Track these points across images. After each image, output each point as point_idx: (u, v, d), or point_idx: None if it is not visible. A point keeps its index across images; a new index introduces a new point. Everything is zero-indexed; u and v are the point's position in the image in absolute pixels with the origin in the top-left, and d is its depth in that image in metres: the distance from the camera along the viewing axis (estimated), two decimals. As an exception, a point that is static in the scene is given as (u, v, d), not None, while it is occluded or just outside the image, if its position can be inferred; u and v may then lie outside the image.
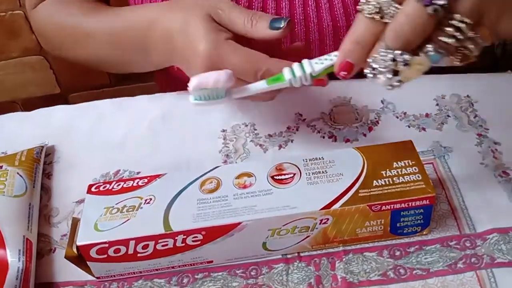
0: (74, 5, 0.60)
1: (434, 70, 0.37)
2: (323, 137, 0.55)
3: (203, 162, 0.53)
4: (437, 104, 0.56)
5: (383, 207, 0.42)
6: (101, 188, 0.47)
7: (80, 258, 0.43)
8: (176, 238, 0.43)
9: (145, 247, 0.43)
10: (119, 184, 0.47)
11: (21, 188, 0.51)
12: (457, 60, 0.34)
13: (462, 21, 0.32)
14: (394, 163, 0.45)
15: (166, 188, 0.46)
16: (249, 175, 0.45)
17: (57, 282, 0.46)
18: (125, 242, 0.42)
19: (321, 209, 0.42)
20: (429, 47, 0.34)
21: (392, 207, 0.42)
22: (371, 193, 0.43)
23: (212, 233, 0.43)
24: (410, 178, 0.43)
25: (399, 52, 0.34)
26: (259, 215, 0.42)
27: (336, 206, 0.42)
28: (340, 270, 0.44)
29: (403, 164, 0.45)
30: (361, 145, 0.49)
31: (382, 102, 0.57)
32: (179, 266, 0.45)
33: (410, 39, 0.33)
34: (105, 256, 0.43)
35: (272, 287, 0.44)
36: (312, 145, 0.54)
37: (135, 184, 0.47)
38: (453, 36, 0.33)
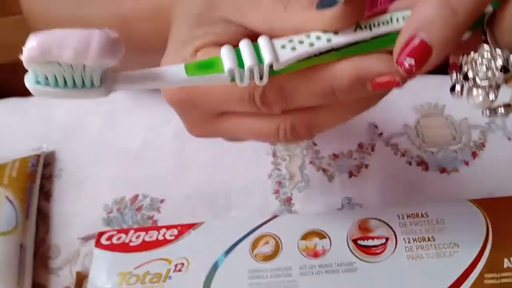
0: None
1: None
2: (410, 163, 0.41)
3: (247, 191, 0.41)
4: None
5: (522, 304, 0.29)
6: (114, 240, 0.34)
7: None
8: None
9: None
10: (138, 236, 0.34)
11: (10, 221, 0.38)
12: None
13: None
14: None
15: (203, 247, 0.33)
16: (321, 235, 0.33)
17: None
18: (147, 330, 0.31)
19: (430, 303, 0.29)
20: None
21: (535, 305, 0.29)
22: (502, 280, 0.30)
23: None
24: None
25: None
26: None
27: (453, 300, 0.29)
28: None
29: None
30: (464, 178, 0.35)
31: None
32: None
33: None
34: None
35: None
36: (396, 176, 0.40)
37: (160, 238, 0.34)
38: None
